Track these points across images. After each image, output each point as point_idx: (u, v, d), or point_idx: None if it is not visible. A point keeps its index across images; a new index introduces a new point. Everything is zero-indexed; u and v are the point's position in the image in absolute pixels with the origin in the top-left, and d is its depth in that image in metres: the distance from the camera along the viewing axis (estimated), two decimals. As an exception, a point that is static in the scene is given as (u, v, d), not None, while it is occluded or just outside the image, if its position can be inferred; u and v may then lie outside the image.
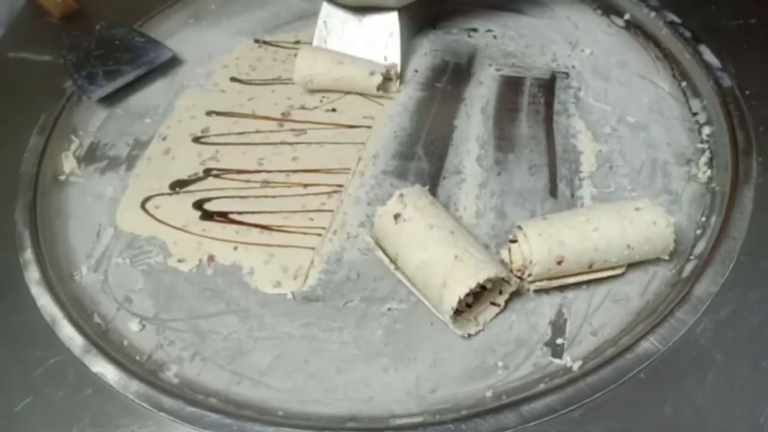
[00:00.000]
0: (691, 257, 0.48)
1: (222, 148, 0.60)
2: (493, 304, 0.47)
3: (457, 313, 0.44)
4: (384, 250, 0.49)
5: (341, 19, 0.66)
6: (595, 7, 0.69)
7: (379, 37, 0.65)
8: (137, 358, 0.46)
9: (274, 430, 0.41)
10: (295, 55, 0.63)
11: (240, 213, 0.54)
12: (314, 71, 0.62)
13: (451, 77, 0.64)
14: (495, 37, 0.68)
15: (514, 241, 0.47)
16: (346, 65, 0.62)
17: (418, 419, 0.42)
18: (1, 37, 0.72)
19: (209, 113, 0.63)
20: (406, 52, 0.66)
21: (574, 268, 0.46)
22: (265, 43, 0.70)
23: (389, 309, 0.48)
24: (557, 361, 0.44)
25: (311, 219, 0.54)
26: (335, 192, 0.55)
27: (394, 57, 0.64)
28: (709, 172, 0.54)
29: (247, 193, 0.56)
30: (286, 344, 0.47)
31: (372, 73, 0.61)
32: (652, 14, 0.65)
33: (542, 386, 0.43)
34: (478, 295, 0.46)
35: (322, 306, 0.48)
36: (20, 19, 0.73)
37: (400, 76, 0.64)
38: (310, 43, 0.67)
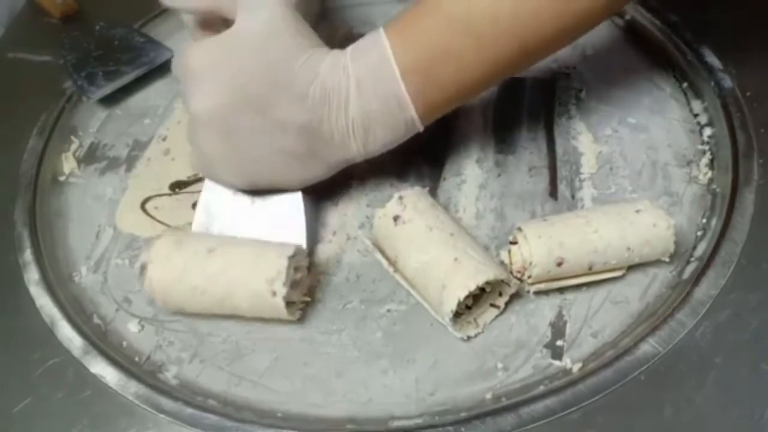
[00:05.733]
0: (692, 259, 0.48)
1: (222, 149, 0.60)
2: (492, 305, 0.47)
3: (457, 315, 0.44)
4: (383, 252, 0.49)
5: (229, 200, 0.50)
6: (596, 7, 0.69)
7: (278, 223, 0.49)
8: (136, 359, 0.46)
9: (273, 432, 0.41)
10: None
11: (239, 214, 0.54)
12: (172, 288, 0.44)
13: (452, 78, 0.64)
14: (495, 37, 0.68)
15: (513, 243, 0.47)
16: (226, 275, 0.43)
17: (418, 421, 0.42)
18: (1, 37, 0.72)
19: (209, 114, 0.63)
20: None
21: (574, 270, 0.45)
22: (265, 43, 0.70)
23: (388, 311, 0.48)
24: (557, 363, 0.44)
25: (311, 220, 0.54)
26: (335, 193, 0.55)
27: (300, 240, 0.48)
28: (709, 174, 0.53)
29: (246, 193, 0.56)
30: (285, 346, 0.46)
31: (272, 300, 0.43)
32: (653, 15, 0.64)
33: (542, 388, 0.42)
34: (477, 296, 0.46)
35: (321, 308, 0.48)
36: (20, 19, 0.73)
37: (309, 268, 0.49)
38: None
